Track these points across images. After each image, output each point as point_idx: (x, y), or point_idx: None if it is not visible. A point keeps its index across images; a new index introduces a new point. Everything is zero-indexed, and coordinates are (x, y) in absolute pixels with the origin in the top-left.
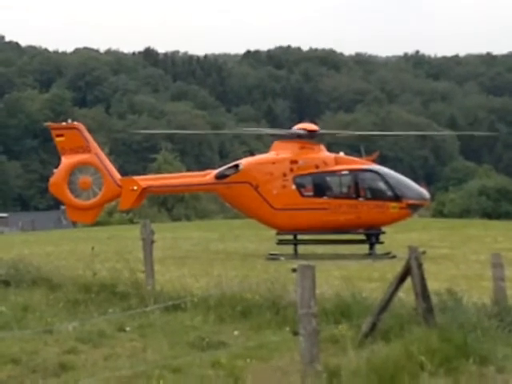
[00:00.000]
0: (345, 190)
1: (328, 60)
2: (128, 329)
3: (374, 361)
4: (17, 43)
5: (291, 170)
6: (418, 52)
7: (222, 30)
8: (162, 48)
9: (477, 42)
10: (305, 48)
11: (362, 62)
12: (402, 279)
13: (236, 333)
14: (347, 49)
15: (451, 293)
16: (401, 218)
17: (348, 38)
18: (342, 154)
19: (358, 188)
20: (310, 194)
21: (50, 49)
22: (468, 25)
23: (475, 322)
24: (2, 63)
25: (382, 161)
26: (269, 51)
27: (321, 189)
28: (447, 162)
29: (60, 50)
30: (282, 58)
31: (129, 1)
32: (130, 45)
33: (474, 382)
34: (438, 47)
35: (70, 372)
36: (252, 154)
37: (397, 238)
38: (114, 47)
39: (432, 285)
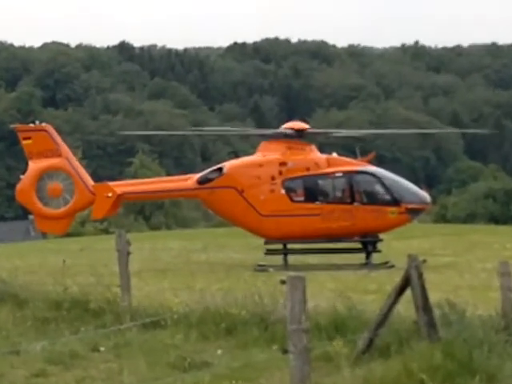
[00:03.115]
0: (338, 194)
1: (319, 53)
2: (102, 349)
3: (371, 380)
4: None
5: (280, 172)
6: (417, 43)
7: (204, 21)
8: (138, 42)
9: (480, 31)
10: (294, 40)
11: (356, 54)
12: (401, 291)
13: (220, 352)
14: (340, 40)
15: (451, 304)
16: (400, 223)
17: (340, 28)
18: (335, 154)
19: (352, 192)
20: (301, 198)
21: (16, 44)
22: (471, 13)
23: (481, 336)
24: None
25: (378, 162)
26: (255, 43)
27: (312, 193)
28: (450, 163)
29: (27, 45)
30: (269, 51)
31: None
32: (104, 39)
33: None
34: (438, 37)
35: None
36: (237, 155)
37: (395, 246)
38: (85, 41)
39: (434, 296)
